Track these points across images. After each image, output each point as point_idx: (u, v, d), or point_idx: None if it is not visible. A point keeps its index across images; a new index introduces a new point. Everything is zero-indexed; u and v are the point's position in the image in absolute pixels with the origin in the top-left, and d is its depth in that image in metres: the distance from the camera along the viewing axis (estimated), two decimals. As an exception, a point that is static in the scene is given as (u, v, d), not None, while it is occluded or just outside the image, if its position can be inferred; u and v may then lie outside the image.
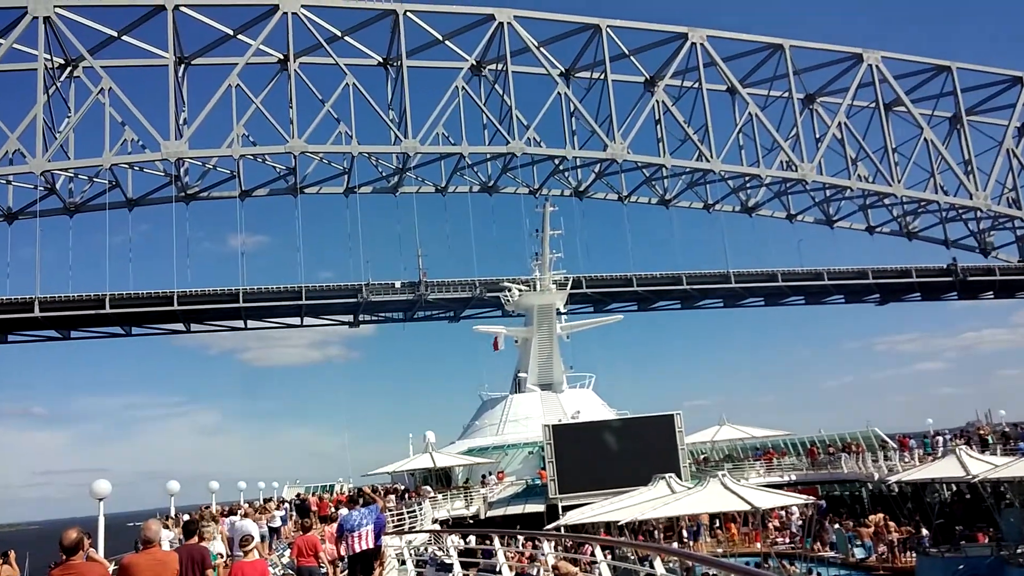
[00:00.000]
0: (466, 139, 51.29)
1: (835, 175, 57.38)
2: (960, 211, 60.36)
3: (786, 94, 56.65)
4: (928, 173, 58.26)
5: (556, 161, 55.01)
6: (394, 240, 53.78)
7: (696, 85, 54.25)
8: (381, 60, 53.51)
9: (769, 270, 58.69)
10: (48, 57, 48.29)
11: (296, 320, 54.99)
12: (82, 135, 50.78)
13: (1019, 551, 22.23)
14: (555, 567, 14.07)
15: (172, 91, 47.82)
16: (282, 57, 50.52)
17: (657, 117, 55.94)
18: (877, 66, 56.55)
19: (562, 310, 44.94)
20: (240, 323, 53.93)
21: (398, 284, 50.70)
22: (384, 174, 54.50)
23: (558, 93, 51.74)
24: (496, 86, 53.06)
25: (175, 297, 47.44)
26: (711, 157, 52.90)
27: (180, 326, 52.86)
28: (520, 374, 44.72)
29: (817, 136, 58.12)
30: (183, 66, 52.07)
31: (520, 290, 44.05)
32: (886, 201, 61.07)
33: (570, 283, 47.81)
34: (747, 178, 58.49)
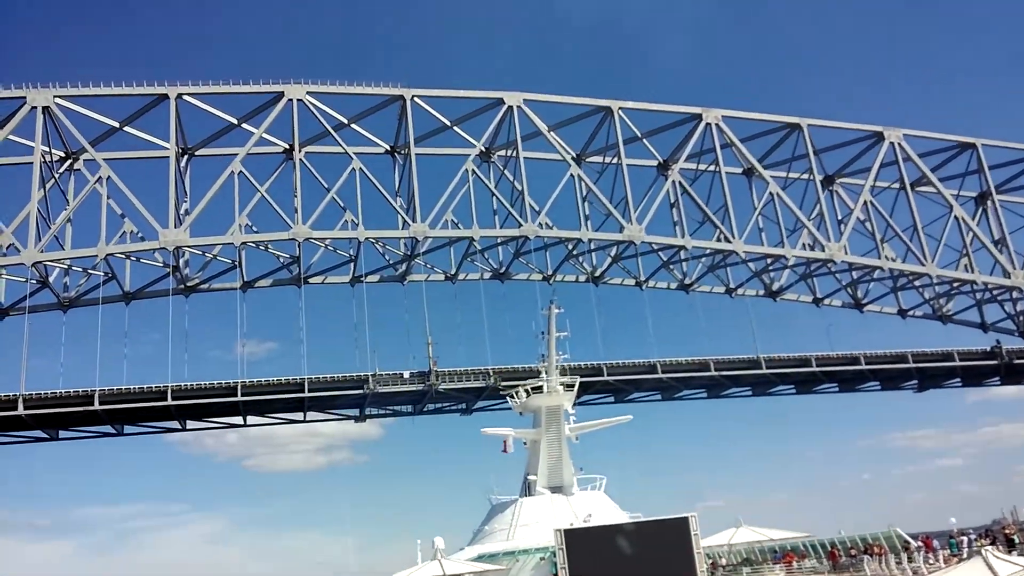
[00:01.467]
0: (477, 223, 53.23)
1: (863, 256, 59.36)
2: (996, 292, 62.57)
3: (805, 175, 59.39)
4: (958, 253, 60.73)
5: (570, 246, 57.27)
6: (402, 330, 55.39)
7: (712, 167, 57.16)
8: (388, 148, 57.10)
9: (802, 355, 59.61)
10: (47, 149, 51.60)
11: (299, 415, 55.73)
12: (79, 228, 52.57)
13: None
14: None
15: (173, 181, 50.95)
16: (287, 147, 54.29)
17: (673, 199, 58.87)
18: (900, 144, 59.36)
19: (570, 411, 46.37)
20: (239, 419, 54.55)
21: (407, 374, 51.55)
22: (392, 262, 56.52)
23: (571, 175, 54.16)
24: (506, 172, 56.24)
25: (169, 391, 47.93)
26: (732, 237, 55.02)
27: (175, 424, 53.29)
28: (529, 477, 45.98)
29: (840, 217, 60.81)
30: (186, 156, 55.57)
31: (528, 392, 45.88)
32: (917, 283, 63.21)
33: (582, 375, 48.69)
34: (770, 261, 60.56)
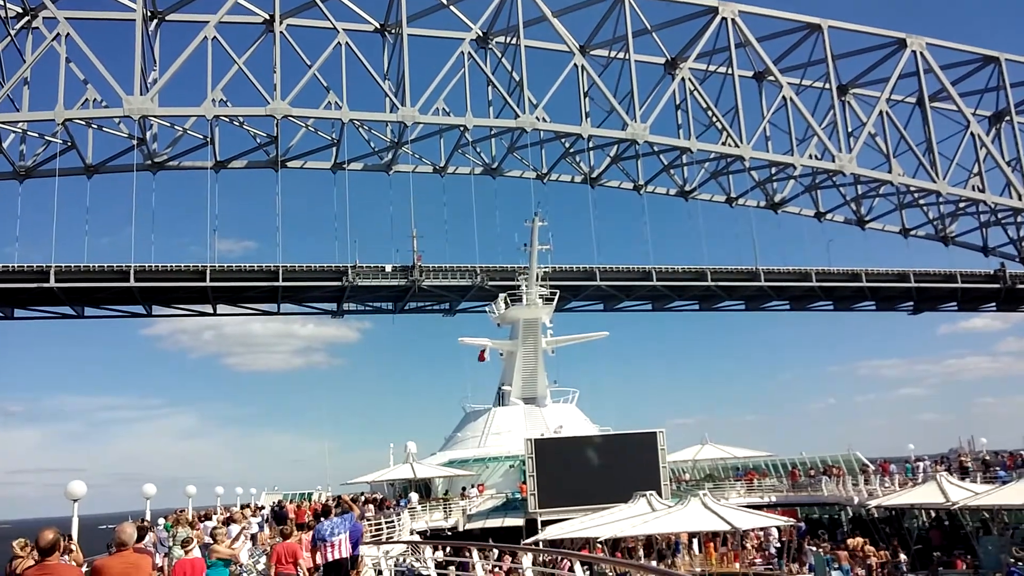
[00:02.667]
0: (471, 112, 51.16)
1: (873, 169, 58.23)
2: (1002, 215, 63.23)
3: (818, 82, 58.03)
4: (969, 172, 60.53)
5: (566, 144, 56.67)
6: (385, 223, 56.69)
7: (725, 69, 54.96)
8: (378, 26, 53.38)
9: (801, 268, 59.87)
10: (2, 3, 49.21)
11: (272, 306, 55.01)
12: (38, 93, 49.53)
13: (996, 579, 26.35)
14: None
15: (139, 44, 46.75)
16: (267, 17, 49.66)
17: (679, 100, 56.79)
18: (921, 52, 57.69)
19: (548, 324, 48.80)
20: (208, 307, 53.63)
21: (389, 268, 50.97)
22: (377, 149, 55.01)
23: (574, 65, 51.86)
24: (504, 60, 53.66)
25: (132, 272, 46.39)
26: (740, 142, 53.80)
27: (139, 308, 52.46)
28: (504, 387, 49.17)
29: (850, 129, 59.83)
30: (155, 20, 51.56)
31: (507, 302, 48.17)
32: (922, 202, 63.68)
33: (574, 279, 50.98)
34: (774, 171, 60.56)
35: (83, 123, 49.72)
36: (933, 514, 33.22)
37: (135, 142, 50.05)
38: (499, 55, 54.49)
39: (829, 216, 65.50)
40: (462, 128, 52.17)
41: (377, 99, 51.63)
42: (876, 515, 34.00)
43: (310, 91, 49.47)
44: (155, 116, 48.16)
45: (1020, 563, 26.55)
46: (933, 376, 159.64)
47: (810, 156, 57.00)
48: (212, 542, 13.05)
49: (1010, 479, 34.47)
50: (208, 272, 48.36)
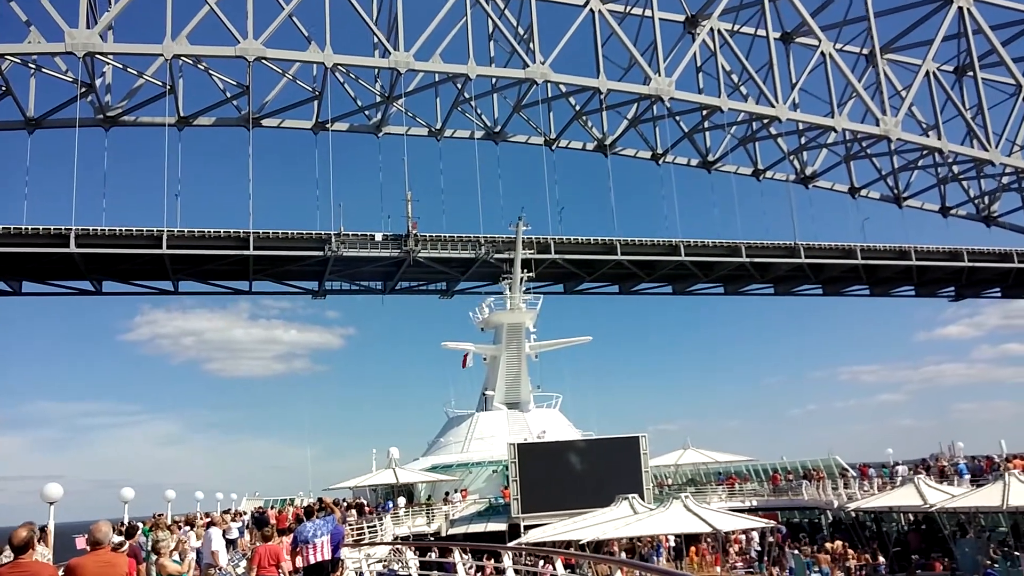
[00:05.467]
0: (473, 60, 43.79)
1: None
2: None
3: (850, 46, 53.04)
4: (1012, 144, 54.07)
5: (577, 106, 50.28)
6: (374, 189, 46.36)
7: (750, 28, 50.51)
8: None
9: (845, 244, 52.54)
10: None
11: (243, 284, 47.23)
12: None
13: (973, 581, 25.98)
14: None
15: None
16: None
17: (701, 62, 50.88)
18: (968, 9, 52.54)
19: (532, 329, 47.91)
20: (168, 284, 46.14)
21: (379, 237, 44.27)
22: (364, 106, 47.51)
23: (590, 10, 45.45)
24: (508, 12, 47.98)
25: (73, 236, 38.79)
26: (776, 102, 47.68)
27: (86, 285, 44.99)
28: (487, 392, 48.26)
29: (886, 96, 52.43)
30: None
31: (489, 308, 47.41)
32: (962, 177, 57.84)
33: (592, 252, 46.09)
34: (805, 140, 54.73)
35: (18, 62, 41.04)
36: (911, 517, 32.91)
37: (80, 89, 41.87)
38: (502, 6, 47.81)
39: (864, 192, 58.37)
40: (463, 80, 44.69)
41: (365, 45, 44.72)
42: (855, 519, 33.59)
43: (288, 34, 42.30)
44: (104, 54, 40.24)
45: (996, 565, 26.18)
46: (911, 383, 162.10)
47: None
48: (156, 555, 12.10)
49: (965, 474, 34.47)
50: (164, 238, 40.69)
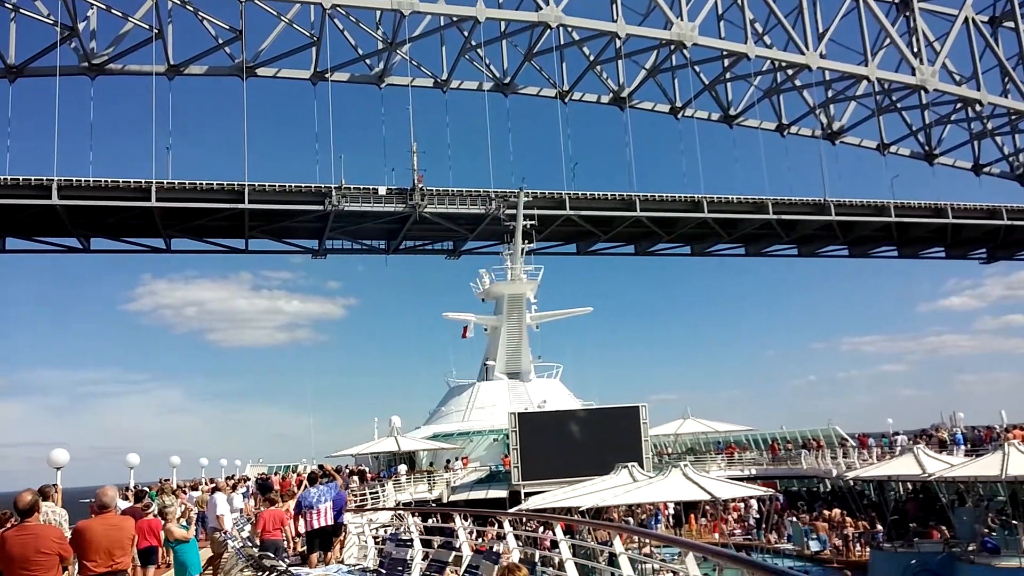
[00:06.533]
0: (482, 2, 41.87)
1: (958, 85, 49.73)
2: None
3: None
4: None
5: (591, 55, 47.67)
6: (376, 142, 48.25)
7: None
8: None
9: (878, 202, 49.78)
10: None
11: (239, 242, 45.44)
12: None
13: (970, 548, 26.03)
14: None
15: None
16: None
17: (724, 8, 47.97)
18: None
19: (533, 299, 47.71)
20: (159, 241, 44.29)
21: (383, 190, 42.03)
22: (365, 54, 45.35)
23: None
24: None
25: (55, 187, 37.10)
26: (806, 49, 45.66)
27: (72, 241, 43.07)
28: (488, 362, 48.39)
29: (922, 43, 50.55)
30: None
31: (491, 278, 47.19)
32: (996, 132, 55.67)
33: (609, 208, 44.24)
34: (831, 92, 52.05)
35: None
36: (910, 486, 32.95)
37: (63, 33, 39.76)
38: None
39: (894, 149, 55.41)
40: (470, 25, 42.24)
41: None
42: (854, 487, 33.66)
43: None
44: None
45: (994, 534, 26.22)
46: (912, 353, 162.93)
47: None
48: (164, 520, 12.11)
49: (961, 443, 34.52)
50: (154, 190, 38.49)
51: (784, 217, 48.67)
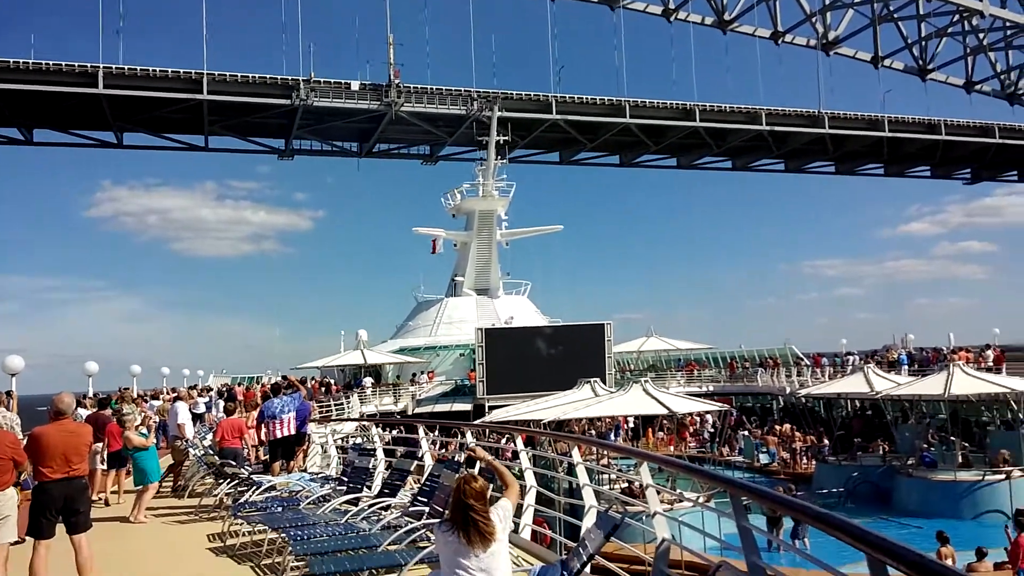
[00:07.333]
0: None
1: None
2: None
3: None
4: None
5: None
6: (348, 37, 42.02)
7: None
8: None
9: (871, 115, 49.09)
10: None
11: (198, 139, 42.35)
12: None
13: (909, 462, 27.19)
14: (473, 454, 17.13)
15: None
16: None
17: None
18: None
19: (504, 216, 47.30)
20: (111, 135, 41.21)
21: (355, 85, 39.35)
22: None
23: None
24: None
25: None
26: None
27: (12, 132, 40.62)
28: (457, 278, 48.35)
29: None
30: None
31: (462, 194, 46.66)
32: (991, 48, 54.51)
33: (597, 114, 42.41)
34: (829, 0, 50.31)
35: None
36: (858, 404, 34.13)
37: None
38: None
39: (887, 63, 54.17)
40: None
41: None
42: (806, 404, 34.83)
43: None
44: None
45: (932, 449, 27.37)
46: (871, 277, 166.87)
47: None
48: (122, 428, 12.11)
49: (904, 363, 35.73)
50: (101, 75, 35.38)
51: (777, 129, 47.91)
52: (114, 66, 36.84)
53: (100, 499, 12.52)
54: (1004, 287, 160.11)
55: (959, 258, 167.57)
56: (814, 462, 30.54)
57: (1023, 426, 26.80)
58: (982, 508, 22.98)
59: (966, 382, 25.47)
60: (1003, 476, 23.32)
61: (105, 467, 13.13)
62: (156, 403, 23.48)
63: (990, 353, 34.57)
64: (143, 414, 18.97)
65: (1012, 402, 27.14)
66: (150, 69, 37.59)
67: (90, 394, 26.42)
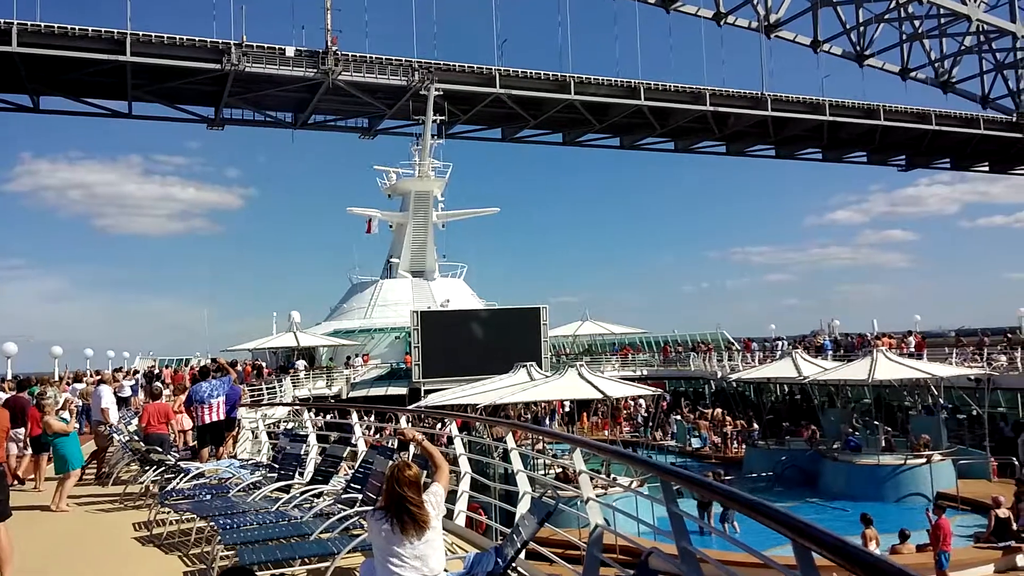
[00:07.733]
0: None
1: None
2: (1007, 61, 57.12)
3: None
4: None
5: None
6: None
7: None
8: None
9: (815, 99, 49.57)
10: None
11: (121, 105, 40.41)
12: None
13: (835, 447, 28.15)
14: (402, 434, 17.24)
15: None
16: None
17: None
18: None
19: (440, 198, 47.03)
20: (25, 98, 39.51)
21: (291, 51, 37.90)
22: None
23: None
24: None
25: None
26: None
27: None
28: (392, 259, 47.89)
29: None
30: None
31: (397, 174, 46.16)
32: (926, 36, 55.87)
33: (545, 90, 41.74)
34: None
35: None
36: (787, 388, 35.18)
37: None
38: None
39: (826, 47, 55.04)
40: None
41: None
42: (737, 388, 35.76)
43: None
44: None
45: (857, 433, 28.42)
46: (798, 264, 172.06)
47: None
48: (41, 412, 11.69)
49: (828, 348, 37.07)
50: (15, 32, 33.63)
51: (720, 110, 48.17)
52: (29, 23, 34.78)
53: (32, 485, 12.10)
54: (925, 275, 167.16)
55: (882, 246, 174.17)
56: (744, 446, 31.42)
57: (943, 411, 28.07)
58: (904, 491, 23.67)
59: (889, 367, 26.36)
60: (924, 460, 24.07)
61: (30, 452, 12.66)
62: (79, 386, 22.66)
63: (912, 339, 35.92)
64: (65, 397, 18.32)
65: (932, 387, 28.33)
66: (68, 27, 35.54)
67: (8, 376, 25.66)
